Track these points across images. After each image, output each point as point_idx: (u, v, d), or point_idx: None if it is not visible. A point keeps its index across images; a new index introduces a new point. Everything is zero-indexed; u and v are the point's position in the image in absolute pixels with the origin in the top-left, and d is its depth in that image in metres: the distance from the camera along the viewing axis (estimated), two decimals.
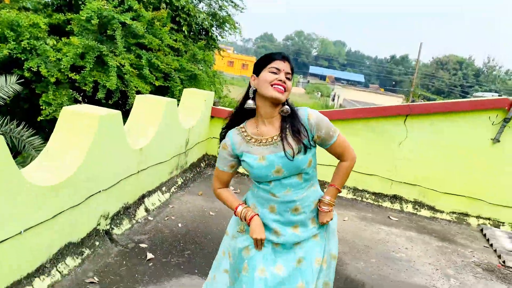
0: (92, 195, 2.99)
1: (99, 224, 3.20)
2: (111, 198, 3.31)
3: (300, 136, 1.81)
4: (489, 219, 5.37)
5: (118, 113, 3.15)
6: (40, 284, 2.53)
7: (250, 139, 1.86)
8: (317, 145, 1.91)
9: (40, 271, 2.57)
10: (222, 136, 1.97)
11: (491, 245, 4.75)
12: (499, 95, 6.59)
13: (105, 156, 3.09)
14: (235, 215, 1.96)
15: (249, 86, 1.85)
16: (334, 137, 1.88)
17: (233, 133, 1.91)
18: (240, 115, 1.93)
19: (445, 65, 71.03)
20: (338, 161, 2.00)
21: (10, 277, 2.33)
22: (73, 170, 2.70)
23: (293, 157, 1.78)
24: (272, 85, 1.76)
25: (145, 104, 3.98)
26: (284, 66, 1.79)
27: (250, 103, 1.83)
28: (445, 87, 65.34)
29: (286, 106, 1.83)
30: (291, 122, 1.83)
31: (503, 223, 5.33)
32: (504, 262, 4.30)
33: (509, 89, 60.67)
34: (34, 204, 2.39)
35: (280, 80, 1.76)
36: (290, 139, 1.80)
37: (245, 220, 1.88)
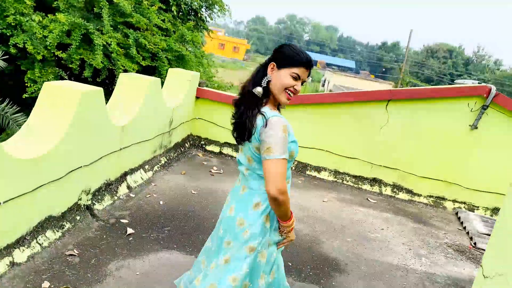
0: (73, 170, 3.04)
1: (80, 199, 3.25)
2: (92, 174, 3.36)
3: None
4: (464, 203, 5.54)
5: (99, 90, 3.17)
6: (19, 255, 2.60)
7: None
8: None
9: (20, 242, 2.63)
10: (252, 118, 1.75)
11: (465, 227, 4.92)
12: (479, 83, 6.71)
13: (86, 132, 3.13)
14: (289, 222, 1.83)
15: (264, 73, 1.80)
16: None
17: (280, 116, 1.76)
18: (254, 96, 1.80)
19: (435, 53, 71.30)
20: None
21: None
22: (54, 144, 2.74)
23: None
24: (285, 90, 1.76)
25: (128, 82, 4.00)
26: (305, 75, 1.77)
27: (259, 91, 1.77)
28: (434, 75, 65.72)
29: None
30: None
31: (478, 207, 5.50)
32: (475, 243, 4.47)
33: (498, 79, 61.25)
34: (14, 177, 2.44)
35: (295, 90, 1.77)
36: None
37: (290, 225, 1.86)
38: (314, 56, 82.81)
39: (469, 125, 5.33)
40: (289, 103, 1.82)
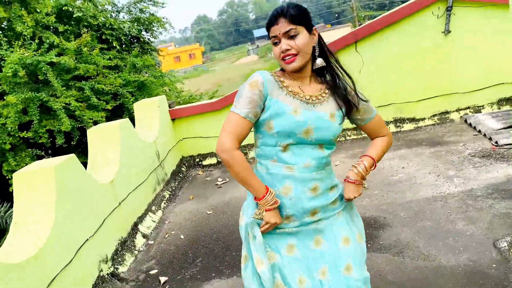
0: (81, 246, 2.86)
1: (101, 270, 3.08)
2: (102, 240, 3.18)
3: (349, 96, 1.64)
4: (468, 108, 5.39)
5: (71, 157, 2.98)
6: None
7: (284, 86, 1.58)
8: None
9: None
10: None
11: (479, 131, 4.78)
12: None
13: (76, 204, 2.94)
14: (264, 199, 1.55)
15: None
16: (374, 111, 1.72)
17: (265, 73, 1.57)
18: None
19: None
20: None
21: None
22: (48, 232, 2.55)
23: (343, 118, 1.62)
24: (282, 59, 1.53)
25: (98, 136, 3.80)
26: (279, 27, 1.49)
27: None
28: (385, 0, 65.36)
29: (318, 60, 1.58)
30: (335, 82, 1.63)
31: (483, 106, 5.36)
32: (496, 142, 4.33)
33: None
34: (22, 283, 2.25)
35: (285, 51, 1.50)
36: (338, 99, 1.62)
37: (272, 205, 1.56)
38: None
39: (442, 32, 5.16)
40: (292, 66, 1.52)
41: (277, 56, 1.55)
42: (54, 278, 2.52)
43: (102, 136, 3.78)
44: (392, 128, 5.46)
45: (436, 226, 3.08)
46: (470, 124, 5.07)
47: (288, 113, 1.52)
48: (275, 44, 1.54)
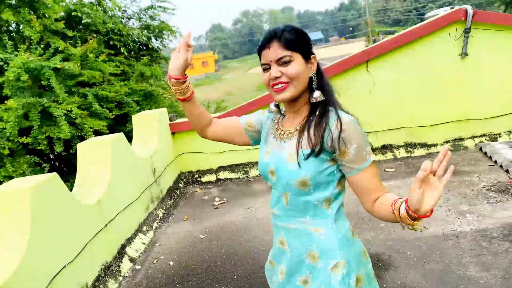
0: (57, 274, 2.63)
1: None
2: (82, 266, 2.95)
3: (321, 134, 1.28)
4: (484, 135, 5.10)
5: (53, 175, 2.76)
6: None
7: (275, 127, 1.47)
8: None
9: None
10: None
11: (495, 161, 4.49)
12: (451, 8, 6.23)
13: (54, 227, 2.72)
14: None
15: None
16: (368, 161, 1.27)
17: (269, 115, 1.54)
18: None
19: None
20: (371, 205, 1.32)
21: None
22: (17, 261, 2.33)
23: (298, 160, 1.29)
24: (272, 87, 1.34)
25: (89, 151, 3.59)
26: (271, 53, 1.31)
27: (272, 107, 1.50)
28: (401, 16, 65.21)
29: (317, 92, 1.34)
30: (319, 115, 1.32)
31: (499, 134, 5.07)
32: None
33: None
34: None
35: (273, 79, 1.31)
36: (312, 135, 1.29)
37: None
38: None
39: (459, 55, 4.90)
40: (282, 96, 1.32)
41: (266, 84, 1.35)
42: None
43: (92, 152, 3.57)
44: (402, 153, 5.19)
45: (446, 269, 2.80)
46: (485, 153, 4.78)
47: (261, 155, 1.46)
48: (265, 70, 1.34)
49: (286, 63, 1.30)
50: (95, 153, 3.57)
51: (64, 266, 2.74)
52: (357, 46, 32.09)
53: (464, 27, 4.77)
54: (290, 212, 1.36)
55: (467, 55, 4.85)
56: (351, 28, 74.42)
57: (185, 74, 1.44)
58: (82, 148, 3.58)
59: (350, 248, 1.35)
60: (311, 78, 1.36)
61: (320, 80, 1.37)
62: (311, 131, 1.30)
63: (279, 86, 1.31)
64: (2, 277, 2.23)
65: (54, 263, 2.65)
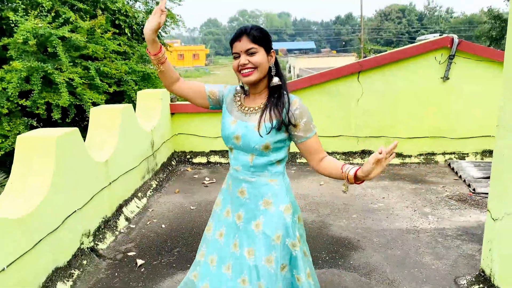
0: (68, 216, 2.97)
1: (82, 243, 3.18)
2: (88, 215, 3.29)
3: (279, 112, 1.69)
4: (454, 153, 5.64)
5: (75, 130, 3.10)
6: None
7: (237, 103, 1.83)
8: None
9: None
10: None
11: (460, 176, 5.01)
12: (440, 35, 6.81)
13: (71, 176, 3.06)
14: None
15: None
16: (313, 131, 1.74)
17: (230, 89, 1.89)
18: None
19: (388, 16, 72.37)
20: (317, 164, 1.78)
21: None
22: (41, 198, 2.66)
23: (259, 132, 1.68)
24: (239, 72, 1.72)
25: (101, 116, 3.93)
26: (241, 45, 1.68)
27: (237, 88, 1.88)
28: (393, 37, 66.73)
29: (275, 78, 1.74)
30: (277, 98, 1.73)
31: (467, 154, 5.61)
32: (474, 189, 4.56)
33: (453, 27, 62.57)
34: (11, 238, 2.36)
35: (242, 65, 1.69)
36: (272, 112, 1.71)
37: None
38: (273, 45, 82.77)
39: (441, 77, 5.42)
40: (248, 79, 1.70)
41: (235, 69, 1.74)
42: (40, 241, 2.62)
43: (104, 117, 3.91)
44: None
45: (404, 255, 3.26)
46: (452, 169, 5.31)
47: (227, 123, 1.80)
48: (235, 58, 1.73)
49: (252, 54, 1.68)
50: (107, 118, 3.91)
51: (75, 211, 3.08)
52: (346, 61, 32.85)
53: (449, 53, 5.29)
54: (253, 168, 1.77)
55: (448, 78, 5.38)
56: (343, 42, 75.63)
57: (160, 44, 1.82)
58: (95, 112, 3.91)
59: (291, 195, 1.86)
60: (270, 68, 1.75)
61: (277, 70, 1.78)
62: (273, 109, 1.71)
63: (246, 71, 1.69)
64: (26, 210, 2.56)
65: (68, 206, 2.99)
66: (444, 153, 5.65)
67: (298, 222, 1.85)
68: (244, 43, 1.68)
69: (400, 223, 3.84)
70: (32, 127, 6.86)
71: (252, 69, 1.69)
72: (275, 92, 1.75)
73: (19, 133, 6.28)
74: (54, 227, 2.78)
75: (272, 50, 1.76)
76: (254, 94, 1.80)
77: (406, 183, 4.91)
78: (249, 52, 1.68)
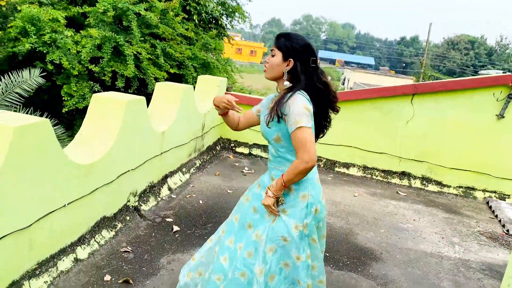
0: (122, 174, 3.30)
1: (129, 201, 3.51)
2: (138, 177, 3.62)
3: (276, 106, 1.94)
4: (495, 192, 5.58)
5: (142, 99, 3.43)
6: (82, 252, 2.85)
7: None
8: None
9: (81, 240, 2.89)
10: None
11: (496, 216, 4.98)
12: (503, 72, 6.67)
13: (132, 139, 3.38)
14: None
15: None
16: (292, 128, 1.88)
17: (270, 97, 2.20)
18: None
19: (456, 45, 69.97)
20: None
21: (57, 245, 2.65)
22: (106, 150, 3.00)
23: (267, 124, 2.00)
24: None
25: (164, 91, 4.26)
26: (273, 47, 2.01)
27: (286, 84, 2.09)
28: (456, 67, 64.52)
29: (286, 83, 2.00)
30: (283, 95, 1.97)
31: (509, 195, 5.53)
32: (508, 230, 4.53)
33: None
34: (75, 181, 2.70)
35: (263, 62, 2.11)
36: (273, 106, 2.00)
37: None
38: (332, 54, 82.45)
39: (496, 115, 5.38)
40: (265, 74, 2.07)
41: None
42: (97, 189, 2.95)
43: (168, 92, 4.24)
44: (417, 183, 5.71)
45: (423, 276, 3.35)
46: (490, 207, 5.27)
47: (261, 121, 2.13)
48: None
49: (272, 56, 2.01)
50: (169, 94, 4.24)
51: (128, 170, 3.40)
52: (403, 83, 32.25)
53: (508, 92, 5.25)
54: (277, 158, 2.05)
55: (503, 117, 5.33)
56: (404, 64, 73.94)
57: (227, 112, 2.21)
58: (159, 87, 4.25)
59: (315, 187, 2.04)
60: (283, 72, 1.99)
61: (294, 77, 1.99)
62: (274, 104, 1.97)
63: (264, 67, 2.06)
64: (92, 159, 2.90)
65: (124, 165, 3.32)
66: (484, 190, 5.60)
67: (314, 213, 2.00)
68: (273, 46, 2.02)
69: (425, 246, 3.92)
70: (95, 91, 7.39)
71: (266, 68, 2.04)
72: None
73: (83, 95, 6.80)
74: (110, 180, 3.11)
75: (290, 59, 1.97)
76: (279, 94, 2.07)
77: (439, 211, 4.93)
78: (271, 54, 2.01)
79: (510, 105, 5.30)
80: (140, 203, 3.69)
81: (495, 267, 3.69)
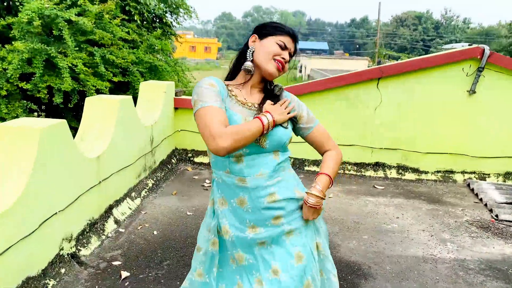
0: (47, 219, 2.63)
1: (62, 249, 2.84)
2: (71, 217, 2.95)
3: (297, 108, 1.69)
4: (474, 172, 5.25)
5: (62, 123, 2.76)
6: None
7: (233, 95, 1.59)
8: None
9: None
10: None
11: (481, 199, 4.63)
12: (469, 45, 6.42)
13: (54, 173, 2.72)
14: (264, 131, 1.46)
15: (247, 47, 1.63)
16: (316, 121, 1.73)
17: (220, 84, 1.55)
18: (233, 74, 1.69)
19: (404, 22, 71.60)
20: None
21: None
22: (16, 196, 2.33)
23: (285, 125, 1.60)
24: (274, 59, 1.57)
25: (97, 107, 3.58)
26: (291, 46, 1.61)
27: (248, 65, 1.59)
28: (407, 44, 66.02)
29: (279, 84, 1.68)
30: (276, 96, 1.66)
31: (488, 174, 5.22)
32: (497, 216, 4.18)
33: (469, 37, 61.78)
34: None
35: (284, 59, 1.58)
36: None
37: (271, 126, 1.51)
38: None
39: (467, 91, 5.03)
40: (277, 72, 1.58)
41: (272, 53, 1.57)
42: (11, 247, 2.29)
43: (100, 108, 3.57)
44: (393, 173, 5.30)
45: None
46: (472, 190, 4.93)
47: (239, 122, 1.49)
48: (280, 46, 1.58)
49: (290, 58, 1.63)
50: (102, 109, 3.56)
51: (55, 213, 2.74)
52: (359, 64, 32.38)
53: (478, 66, 4.89)
54: (278, 166, 1.58)
55: (475, 92, 4.98)
56: (357, 46, 74.98)
57: None
58: (90, 102, 3.57)
59: None
60: None
61: None
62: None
63: (280, 65, 1.57)
64: (1, 208, 2.22)
65: (47, 207, 2.65)
66: (463, 172, 5.26)
67: None
68: (293, 48, 1.63)
69: (415, 250, 3.47)
70: (31, 111, 6.57)
71: (282, 69, 1.59)
72: (272, 90, 1.68)
73: (16, 116, 5.97)
74: (27, 233, 2.44)
75: None
76: (254, 88, 1.64)
77: (422, 203, 4.53)
78: (289, 57, 1.62)
79: (481, 79, 4.95)
80: (78, 247, 3.03)
81: (495, 263, 3.29)
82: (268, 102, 1.59)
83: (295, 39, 1.62)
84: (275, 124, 1.53)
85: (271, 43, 1.57)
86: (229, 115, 1.49)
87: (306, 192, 1.59)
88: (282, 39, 1.58)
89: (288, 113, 1.60)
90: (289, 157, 1.66)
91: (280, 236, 1.57)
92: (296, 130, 1.71)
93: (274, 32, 1.59)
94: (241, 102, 1.58)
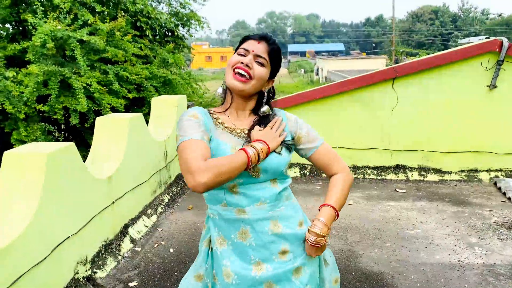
0: (59, 244, 2.61)
1: (77, 272, 2.82)
2: (85, 239, 2.93)
3: (294, 128, 1.54)
4: (500, 170, 5.03)
5: (70, 146, 2.75)
6: None
7: (220, 123, 1.47)
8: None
9: None
10: None
11: (509, 198, 4.42)
12: (486, 38, 6.22)
13: (64, 197, 2.70)
14: (250, 163, 1.32)
15: None
16: (320, 140, 1.54)
17: (203, 113, 1.45)
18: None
19: (421, 17, 70.52)
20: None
21: None
22: (25, 223, 2.31)
23: (279, 151, 1.45)
24: (232, 69, 1.42)
25: (106, 126, 3.58)
26: (256, 47, 1.42)
27: (218, 91, 1.52)
28: (425, 39, 64.90)
29: (265, 107, 1.50)
30: (268, 118, 1.51)
31: None
32: None
33: (489, 28, 60.35)
34: None
35: (243, 63, 1.40)
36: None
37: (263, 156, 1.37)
38: (301, 47, 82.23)
39: (487, 86, 4.83)
40: (239, 84, 1.41)
41: (232, 64, 1.43)
42: (22, 275, 2.27)
43: (110, 127, 3.56)
44: (415, 175, 5.13)
45: None
46: (499, 189, 4.71)
47: (228, 152, 1.38)
48: (240, 55, 1.44)
49: (260, 64, 1.43)
50: (113, 129, 3.56)
51: (68, 237, 2.72)
52: (377, 63, 31.99)
53: (497, 59, 4.70)
54: (279, 196, 1.45)
55: (495, 87, 4.79)
56: (374, 45, 74.18)
57: None
58: (100, 123, 3.57)
59: None
60: (263, 93, 1.51)
61: (268, 99, 1.53)
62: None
63: (242, 72, 1.39)
64: (6, 240, 2.21)
65: (59, 232, 2.64)
66: (489, 170, 5.04)
67: None
68: (261, 48, 1.43)
69: (441, 256, 3.32)
70: (49, 133, 6.67)
71: (248, 78, 1.41)
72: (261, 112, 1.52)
73: (36, 139, 6.08)
74: (40, 258, 2.42)
75: (273, 79, 1.53)
76: (241, 111, 1.51)
77: (446, 205, 4.35)
78: (258, 61, 1.43)
79: (501, 73, 4.75)
80: (94, 270, 3.00)
81: None
82: (256, 128, 1.45)
83: (262, 39, 1.45)
84: (271, 151, 1.40)
85: (233, 57, 1.46)
86: (216, 144, 1.39)
87: (308, 229, 1.43)
88: (243, 46, 1.45)
89: (280, 135, 1.46)
90: (303, 168, 1.58)
91: (288, 275, 1.43)
92: (298, 151, 1.57)
93: (239, 45, 1.48)
94: (230, 129, 1.46)
